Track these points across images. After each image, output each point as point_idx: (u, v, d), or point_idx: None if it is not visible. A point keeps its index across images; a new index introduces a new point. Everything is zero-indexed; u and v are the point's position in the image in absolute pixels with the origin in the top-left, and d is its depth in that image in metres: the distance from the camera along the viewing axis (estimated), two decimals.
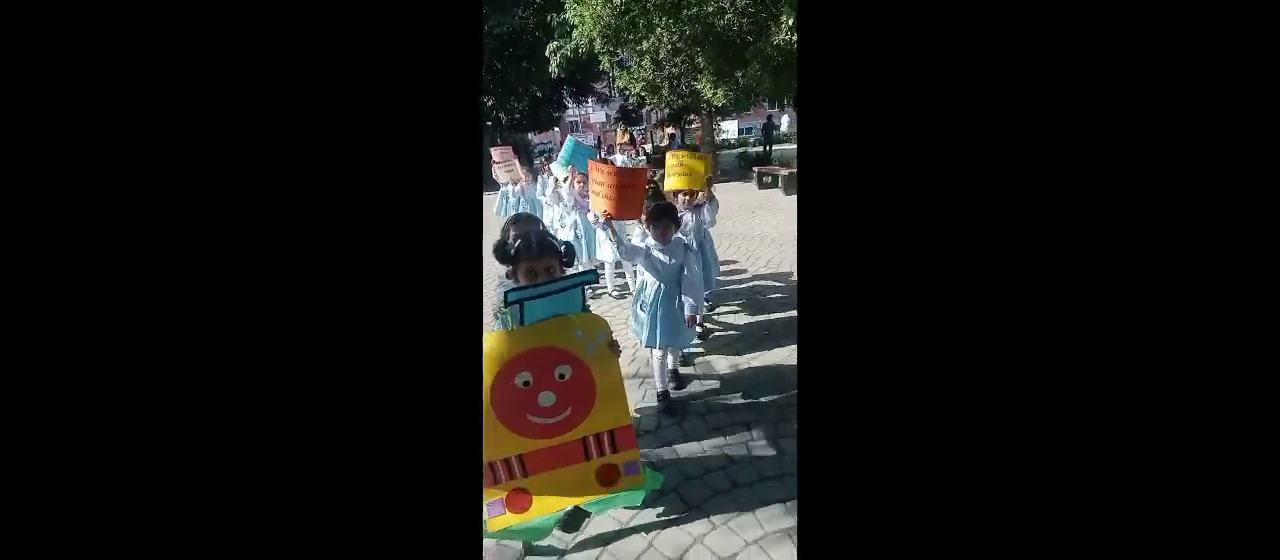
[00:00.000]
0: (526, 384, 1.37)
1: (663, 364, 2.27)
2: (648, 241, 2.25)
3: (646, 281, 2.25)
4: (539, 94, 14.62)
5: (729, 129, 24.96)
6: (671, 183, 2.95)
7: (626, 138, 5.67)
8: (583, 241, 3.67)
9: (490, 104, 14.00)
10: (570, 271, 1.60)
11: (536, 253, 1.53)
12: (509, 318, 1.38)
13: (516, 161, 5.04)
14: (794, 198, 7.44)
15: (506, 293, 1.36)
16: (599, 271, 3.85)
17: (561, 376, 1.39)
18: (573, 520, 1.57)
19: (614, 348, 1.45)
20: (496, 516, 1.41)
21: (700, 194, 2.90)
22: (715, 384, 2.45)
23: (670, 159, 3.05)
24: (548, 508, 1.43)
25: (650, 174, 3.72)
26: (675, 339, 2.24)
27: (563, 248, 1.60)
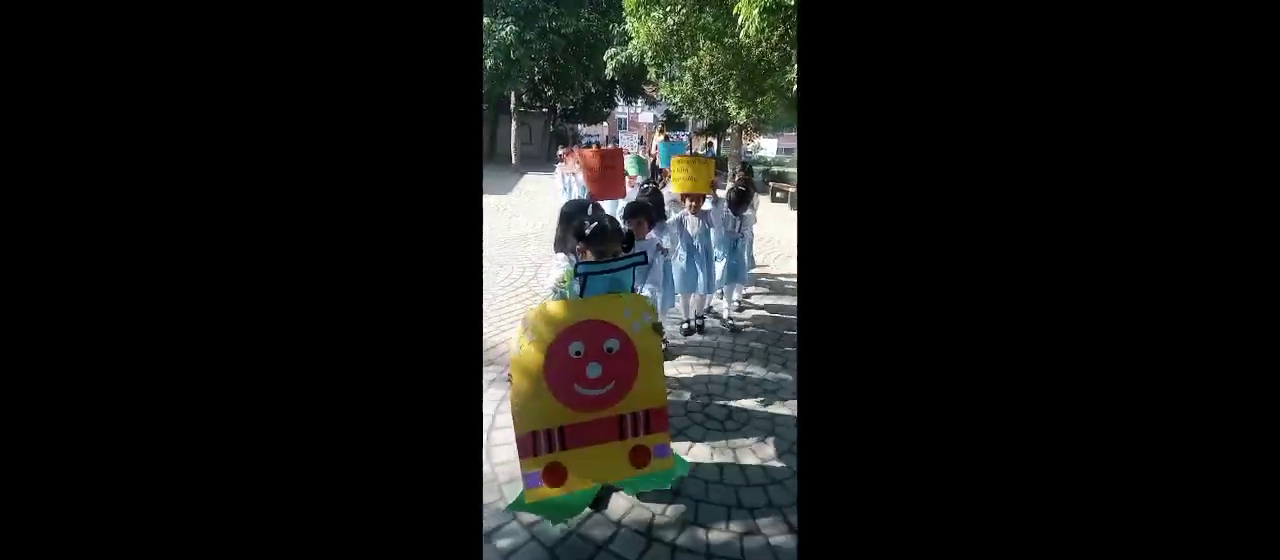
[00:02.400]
0: (578, 354, 1.45)
1: None
2: None
3: None
4: (593, 90, 15.98)
5: (769, 147, 25.94)
6: (676, 186, 3.10)
7: (662, 137, 6.77)
8: None
9: (550, 94, 15.47)
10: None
11: (611, 236, 1.75)
12: (567, 290, 1.52)
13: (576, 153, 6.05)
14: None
15: (578, 265, 1.52)
16: None
17: (609, 350, 1.47)
18: (600, 499, 1.68)
19: (657, 329, 1.54)
20: (534, 488, 1.46)
21: (708, 198, 3.10)
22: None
23: (675, 163, 3.24)
24: (581, 484, 1.49)
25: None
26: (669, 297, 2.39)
27: (626, 234, 1.88)
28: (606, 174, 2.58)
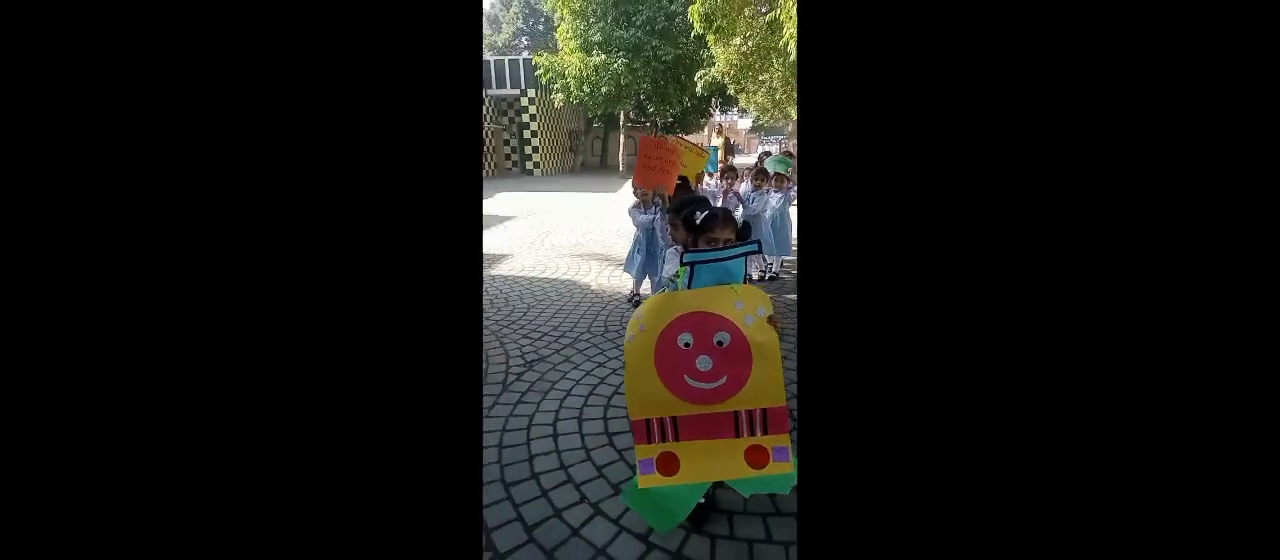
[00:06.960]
0: (687, 345, 1.41)
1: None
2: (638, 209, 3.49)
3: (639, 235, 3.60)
4: (689, 104, 18.30)
5: None
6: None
7: (722, 141, 8.75)
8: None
9: (652, 110, 18.12)
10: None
11: (722, 224, 1.78)
12: (679, 281, 1.50)
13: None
14: None
15: (684, 254, 1.49)
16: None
17: (720, 343, 1.42)
18: (700, 513, 1.67)
19: (773, 322, 1.42)
20: (647, 475, 1.44)
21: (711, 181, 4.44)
22: None
23: (687, 153, 3.74)
24: (694, 476, 1.44)
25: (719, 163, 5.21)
26: (655, 270, 3.08)
27: (741, 225, 1.84)
28: (648, 163, 2.74)
